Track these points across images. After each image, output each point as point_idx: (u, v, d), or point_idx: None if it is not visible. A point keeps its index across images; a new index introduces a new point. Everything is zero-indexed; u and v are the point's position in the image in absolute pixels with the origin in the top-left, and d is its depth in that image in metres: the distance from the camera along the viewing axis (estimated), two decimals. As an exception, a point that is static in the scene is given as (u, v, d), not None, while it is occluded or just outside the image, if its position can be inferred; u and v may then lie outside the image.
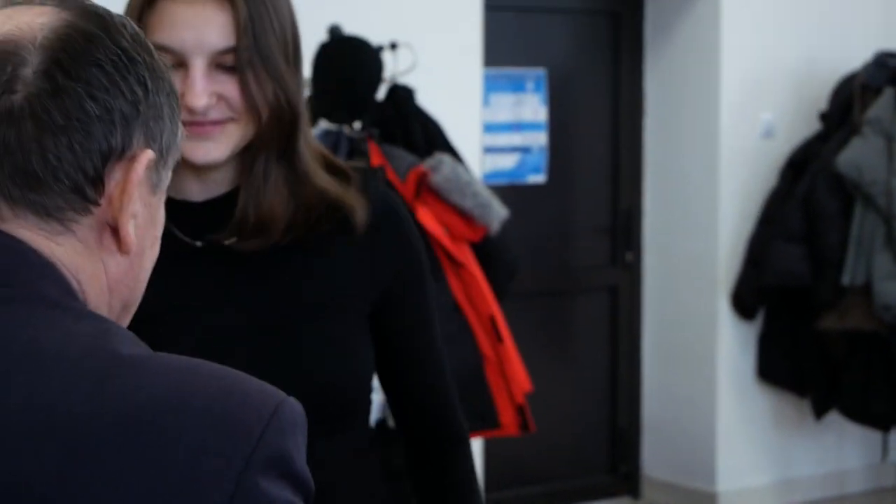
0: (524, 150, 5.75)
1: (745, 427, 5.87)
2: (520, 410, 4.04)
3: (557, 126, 5.84)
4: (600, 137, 6.01)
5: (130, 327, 1.89)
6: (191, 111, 1.81)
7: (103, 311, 1.07)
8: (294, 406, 1.02)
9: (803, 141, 5.76)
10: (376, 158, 4.01)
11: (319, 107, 4.14)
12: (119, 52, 1.03)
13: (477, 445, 5.14)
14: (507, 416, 4.01)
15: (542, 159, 5.79)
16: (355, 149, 4.03)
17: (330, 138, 4.04)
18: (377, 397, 3.83)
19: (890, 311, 5.26)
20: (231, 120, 1.85)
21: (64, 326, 1.00)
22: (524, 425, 4.07)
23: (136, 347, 1.04)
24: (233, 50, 1.82)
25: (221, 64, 1.83)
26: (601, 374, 6.07)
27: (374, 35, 4.28)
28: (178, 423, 0.95)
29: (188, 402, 0.96)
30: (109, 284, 1.07)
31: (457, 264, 3.99)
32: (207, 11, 1.84)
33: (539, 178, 5.79)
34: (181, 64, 1.79)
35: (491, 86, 5.48)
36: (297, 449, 1.01)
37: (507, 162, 5.68)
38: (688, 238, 5.86)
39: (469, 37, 5.12)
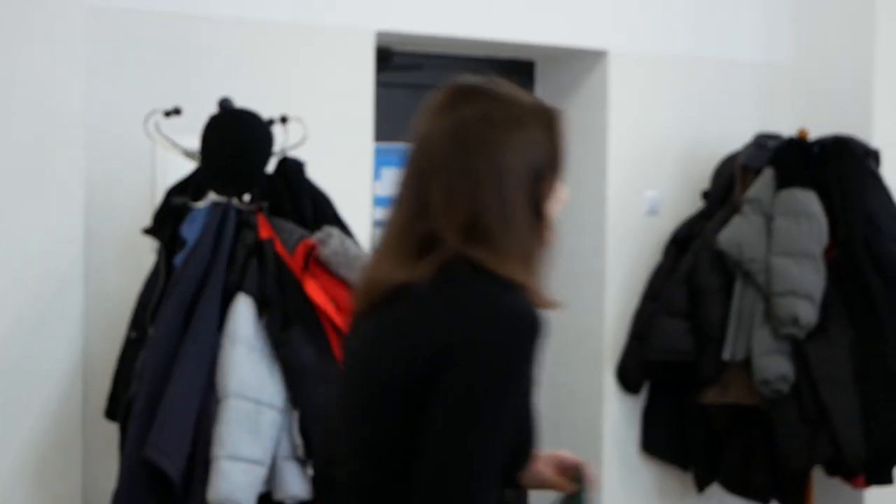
0: (416, 224, 5.72)
1: (632, 492, 5.90)
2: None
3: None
4: (490, 213, 6.00)
5: None
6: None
7: None
8: None
9: (686, 218, 5.86)
10: (265, 231, 4.00)
11: (209, 179, 4.11)
12: None
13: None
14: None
15: (432, 234, 5.77)
16: (244, 221, 4.00)
17: (218, 210, 4.00)
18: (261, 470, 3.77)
19: (768, 386, 5.33)
20: None
21: None
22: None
23: None
24: None
25: None
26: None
27: (264, 108, 4.24)
28: None
29: None
30: None
31: (343, 336, 3.93)
32: None
33: (430, 253, 5.76)
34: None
35: (382, 160, 5.49)
36: None
37: (399, 236, 5.65)
38: (576, 313, 5.84)
39: (360, 111, 5.15)
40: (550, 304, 2.21)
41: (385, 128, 5.40)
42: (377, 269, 2.29)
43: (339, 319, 3.92)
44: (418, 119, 2.30)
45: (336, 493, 2.38)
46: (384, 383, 2.20)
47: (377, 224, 5.43)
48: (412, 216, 2.23)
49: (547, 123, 2.28)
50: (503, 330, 2.10)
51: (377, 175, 5.42)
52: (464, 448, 2.05)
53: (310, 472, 3.90)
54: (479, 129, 2.20)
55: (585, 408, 5.90)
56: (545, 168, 2.24)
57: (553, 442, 5.97)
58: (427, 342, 2.13)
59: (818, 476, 5.70)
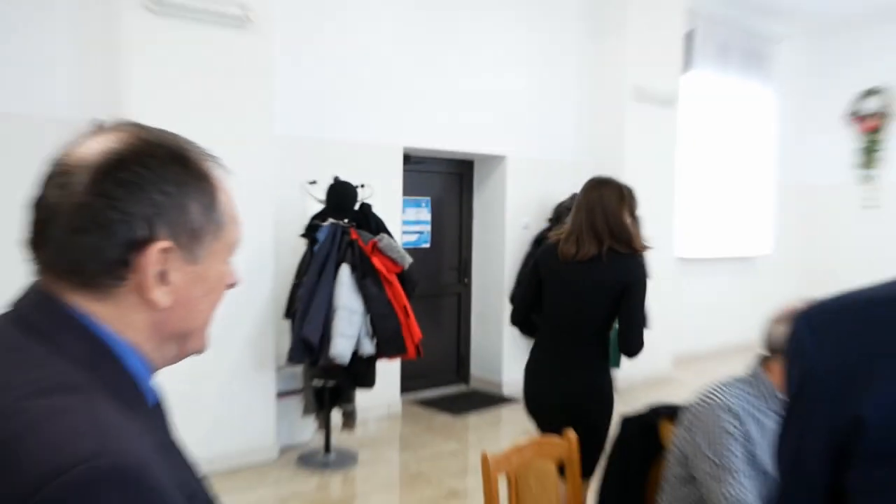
0: (420, 233, 5.77)
1: (516, 352, 5.84)
2: (417, 347, 4.07)
3: (435, 224, 5.88)
4: (453, 230, 6.05)
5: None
6: None
7: (150, 343, 0.77)
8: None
9: (540, 231, 5.84)
10: (354, 235, 4.01)
11: (328, 212, 4.13)
12: (141, 171, 0.73)
13: (397, 363, 5.14)
14: (411, 350, 4.04)
15: (428, 237, 5.83)
16: (344, 231, 4.02)
17: (333, 226, 4.03)
18: (346, 342, 3.75)
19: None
20: None
21: (8, 362, 0.69)
22: (419, 354, 4.10)
23: (60, 396, 0.66)
24: None
25: None
26: (453, 331, 6.06)
27: (354, 179, 4.29)
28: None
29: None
30: (155, 327, 0.77)
31: (389, 282, 4.01)
32: None
33: (427, 246, 5.82)
34: None
35: (406, 203, 5.53)
36: None
37: (413, 238, 5.71)
38: (491, 273, 5.93)
39: (396, 183, 5.12)
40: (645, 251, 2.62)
41: (407, 190, 5.43)
42: (581, 247, 2.58)
43: (387, 274, 3.98)
44: (583, 191, 2.67)
45: (570, 337, 2.63)
46: (604, 293, 2.52)
47: (404, 233, 5.50)
48: (588, 229, 2.56)
49: (628, 193, 2.62)
50: (645, 273, 2.54)
51: (403, 211, 5.43)
52: (642, 313, 2.51)
53: (375, 341, 3.98)
54: (608, 197, 2.57)
55: (495, 314, 5.85)
56: (631, 208, 2.62)
57: (481, 328, 5.98)
58: (622, 279, 2.50)
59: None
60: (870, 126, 7.98)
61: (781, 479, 0.82)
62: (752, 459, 1.76)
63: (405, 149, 5.22)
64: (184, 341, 0.81)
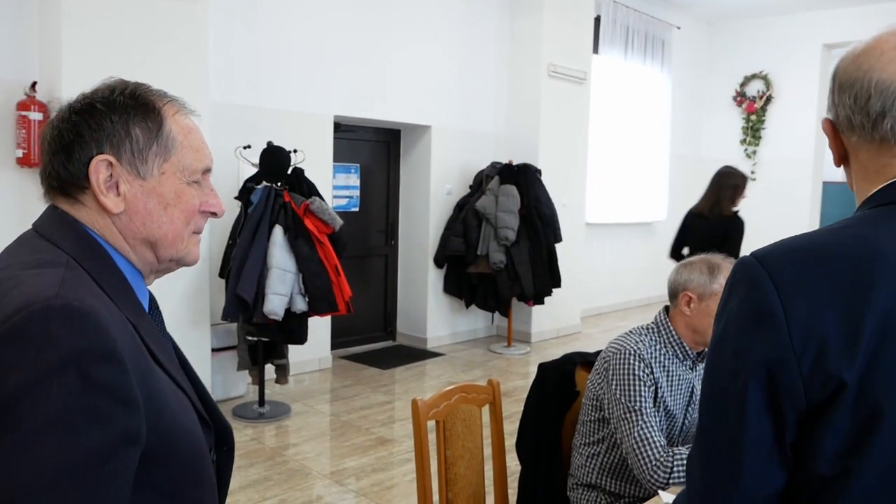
0: (350, 197, 5.67)
1: (439, 310, 5.92)
2: (347, 305, 4.00)
3: (364, 188, 5.79)
4: (381, 194, 5.99)
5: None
6: None
7: (125, 245, 0.89)
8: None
9: (463, 196, 5.84)
10: (287, 198, 3.89)
11: (262, 175, 3.99)
12: (97, 105, 0.88)
13: (328, 320, 5.07)
14: (342, 307, 3.98)
15: (357, 201, 5.73)
16: (278, 194, 3.89)
17: (267, 189, 3.90)
18: (279, 299, 3.67)
19: (495, 265, 5.40)
20: None
21: (17, 252, 0.85)
22: (349, 311, 4.04)
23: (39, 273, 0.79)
24: None
25: None
26: (381, 290, 6.04)
27: (287, 145, 4.18)
28: None
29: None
30: (122, 232, 0.89)
31: (321, 243, 3.92)
32: None
33: (356, 209, 5.73)
34: None
35: (337, 169, 5.42)
36: None
37: (343, 202, 5.60)
38: (416, 235, 5.91)
39: (327, 150, 5.01)
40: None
41: (338, 156, 5.33)
42: (705, 207, 4.08)
43: (319, 235, 3.89)
44: (716, 174, 4.09)
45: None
46: (714, 233, 3.89)
47: (335, 197, 5.38)
48: (712, 198, 4.06)
49: (742, 180, 4.03)
50: (739, 228, 4.00)
51: (334, 176, 5.33)
52: (737, 250, 3.82)
53: (307, 298, 3.89)
54: (726, 180, 4.03)
55: (421, 274, 5.87)
56: (741, 189, 4.10)
57: (407, 287, 5.99)
58: (724, 229, 3.94)
59: (514, 302, 5.83)
60: (752, 107, 8.29)
61: (721, 401, 0.78)
62: (659, 401, 1.78)
63: (336, 117, 5.09)
64: (155, 248, 0.90)
